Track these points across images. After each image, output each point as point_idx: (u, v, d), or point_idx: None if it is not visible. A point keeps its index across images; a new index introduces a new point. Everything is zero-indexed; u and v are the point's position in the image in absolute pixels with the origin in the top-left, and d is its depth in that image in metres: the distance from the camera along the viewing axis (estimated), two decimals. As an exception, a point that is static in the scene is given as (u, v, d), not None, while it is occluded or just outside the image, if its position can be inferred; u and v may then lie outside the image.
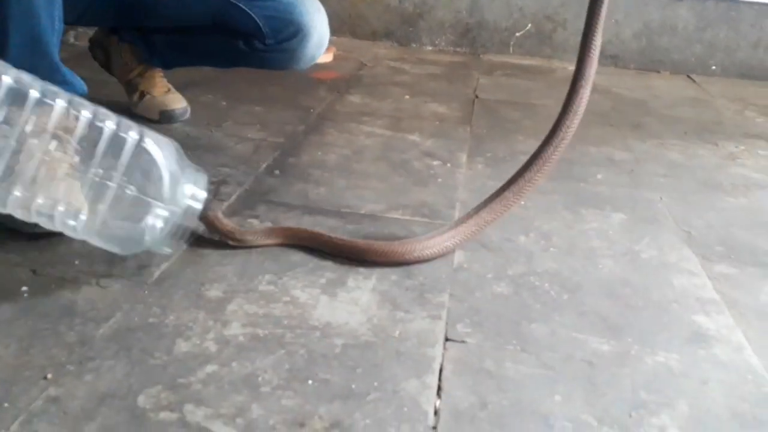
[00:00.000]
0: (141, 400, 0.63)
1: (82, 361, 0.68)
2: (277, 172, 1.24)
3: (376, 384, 0.68)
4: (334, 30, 1.35)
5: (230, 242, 0.93)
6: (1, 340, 0.71)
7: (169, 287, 0.83)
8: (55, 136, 0.99)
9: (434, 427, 0.64)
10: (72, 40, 2.13)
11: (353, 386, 0.68)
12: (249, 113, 1.55)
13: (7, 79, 0.76)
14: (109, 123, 0.78)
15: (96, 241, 0.80)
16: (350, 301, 0.83)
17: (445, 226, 0.98)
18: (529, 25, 2.51)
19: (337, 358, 0.72)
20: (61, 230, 0.79)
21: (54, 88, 0.79)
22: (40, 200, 0.77)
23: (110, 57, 1.41)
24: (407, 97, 1.87)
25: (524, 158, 1.40)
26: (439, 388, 0.69)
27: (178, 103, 1.42)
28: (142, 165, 0.77)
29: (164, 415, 0.62)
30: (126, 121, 0.79)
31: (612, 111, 1.91)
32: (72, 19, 1.02)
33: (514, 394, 0.69)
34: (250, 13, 1.18)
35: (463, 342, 0.77)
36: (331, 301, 0.83)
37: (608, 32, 2.46)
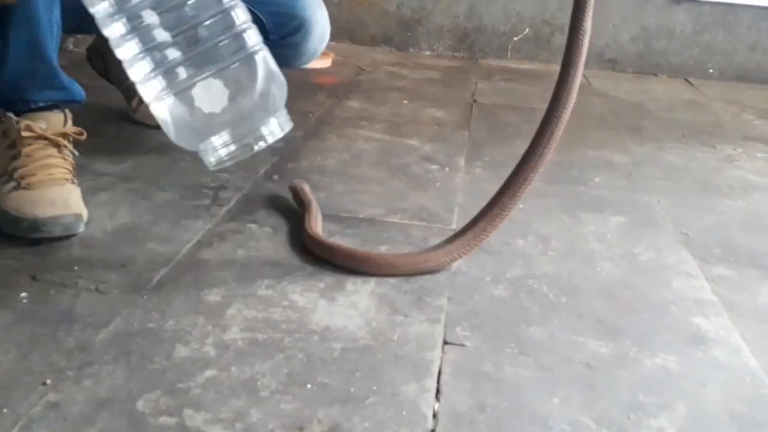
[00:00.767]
0: (140, 404, 0.63)
1: (82, 367, 0.68)
2: (276, 177, 1.24)
3: (375, 388, 0.68)
4: (333, 35, 1.36)
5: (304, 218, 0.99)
6: (0, 345, 0.71)
7: (168, 292, 0.83)
8: (54, 143, 1.00)
9: (433, 431, 0.64)
10: (71, 47, 2.14)
11: (352, 390, 0.68)
12: (248, 119, 1.55)
13: None
14: (243, 18, 0.76)
15: (166, 112, 0.76)
16: (349, 305, 0.83)
17: (451, 236, 0.97)
18: (527, 29, 2.52)
19: (336, 362, 0.72)
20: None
21: None
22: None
23: (108, 64, 1.41)
24: (406, 101, 1.88)
25: (522, 162, 1.42)
26: (438, 392, 0.69)
27: (177, 108, 1.42)
28: (242, 72, 0.76)
29: (163, 419, 0.62)
30: (256, 34, 0.78)
31: (610, 114, 1.92)
32: (71, 26, 1.02)
33: (513, 397, 0.69)
34: (252, 8, 1.19)
35: (461, 345, 0.77)
36: (330, 305, 0.83)
37: (606, 36, 2.47)
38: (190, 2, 0.73)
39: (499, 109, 1.86)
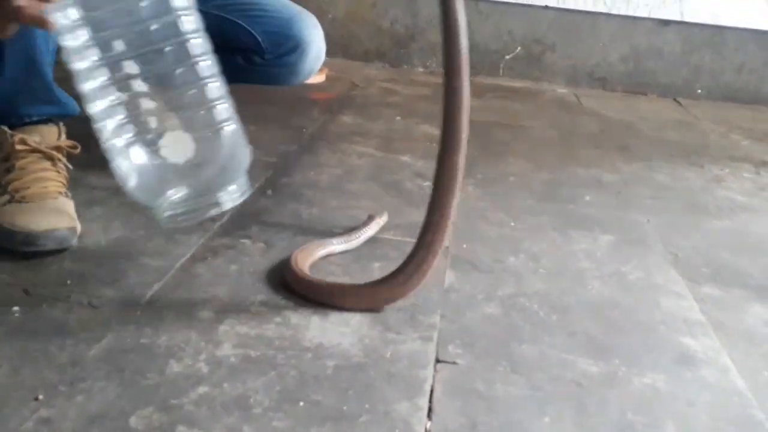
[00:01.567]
0: (133, 421, 0.63)
1: (74, 382, 0.68)
2: (269, 192, 1.25)
3: (367, 406, 0.69)
4: (327, 51, 1.38)
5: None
6: (-8, 360, 0.71)
7: (161, 308, 0.83)
8: (48, 157, 1.00)
9: (425, 449, 0.64)
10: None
11: (345, 408, 0.68)
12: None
13: None
14: (211, 72, 0.76)
15: (129, 160, 0.74)
16: (342, 322, 0.84)
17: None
18: (519, 48, 2.55)
19: (329, 379, 0.73)
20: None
21: None
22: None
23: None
24: (399, 118, 1.89)
25: (514, 180, 1.43)
26: (430, 410, 0.69)
27: (172, 122, 1.43)
28: (210, 133, 0.76)
29: (156, 436, 0.62)
30: (226, 107, 0.78)
31: (600, 133, 1.94)
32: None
33: (504, 415, 0.70)
34: (250, 29, 1.21)
35: (453, 363, 0.78)
36: (323, 322, 0.83)
37: (596, 55, 2.51)
38: (166, 49, 0.73)
39: (491, 127, 1.88)
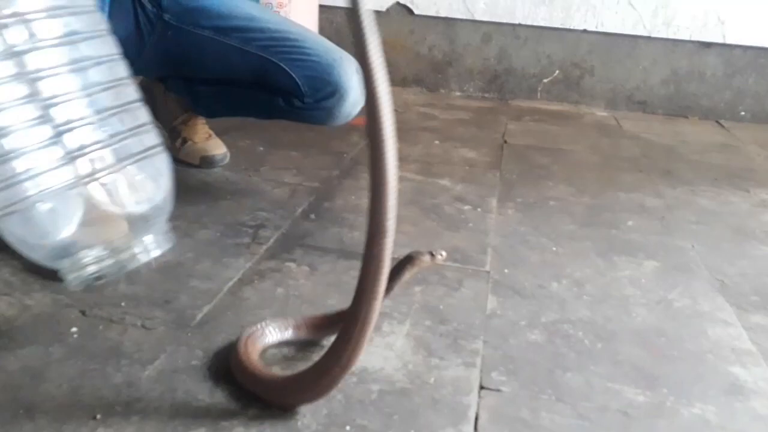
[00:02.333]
0: (185, 441, 0.65)
1: (129, 402, 0.71)
2: (312, 216, 1.27)
3: (413, 431, 0.69)
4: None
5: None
6: (53, 379, 0.74)
7: (210, 330, 0.86)
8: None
9: (471, 476, 0.64)
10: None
11: (390, 432, 0.69)
12: (285, 158, 1.60)
13: None
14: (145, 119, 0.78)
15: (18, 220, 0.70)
16: (385, 346, 0.85)
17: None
18: (557, 71, 2.55)
19: (374, 404, 0.73)
20: None
21: None
22: None
23: (156, 104, 1.47)
24: (437, 142, 1.91)
25: (554, 204, 1.43)
26: (475, 437, 0.70)
27: (218, 149, 1.48)
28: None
29: (208, 457, 0.64)
30: (163, 158, 0.80)
31: (641, 157, 1.92)
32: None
33: (550, 444, 0.69)
34: (290, 72, 1.23)
35: (498, 390, 0.78)
36: (367, 346, 0.84)
37: (636, 78, 2.49)
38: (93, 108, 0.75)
39: (530, 150, 1.88)
